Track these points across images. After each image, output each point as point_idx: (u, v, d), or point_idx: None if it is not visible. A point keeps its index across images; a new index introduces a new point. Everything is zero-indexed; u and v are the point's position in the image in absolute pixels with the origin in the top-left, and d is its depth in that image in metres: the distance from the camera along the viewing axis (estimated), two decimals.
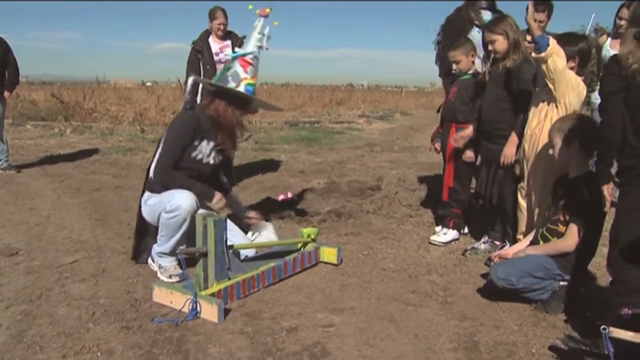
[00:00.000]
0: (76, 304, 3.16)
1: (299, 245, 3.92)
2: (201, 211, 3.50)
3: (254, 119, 14.53)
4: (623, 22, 5.02)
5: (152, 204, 3.61)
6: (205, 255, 3.17)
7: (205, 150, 3.70)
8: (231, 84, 3.64)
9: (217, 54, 5.89)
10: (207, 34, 5.96)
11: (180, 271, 3.57)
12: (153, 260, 3.71)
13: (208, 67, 5.77)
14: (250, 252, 3.79)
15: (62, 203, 5.68)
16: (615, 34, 5.27)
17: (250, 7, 3.74)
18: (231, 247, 3.36)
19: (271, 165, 8.24)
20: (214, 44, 5.91)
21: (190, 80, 3.74)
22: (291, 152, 9.85)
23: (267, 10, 3.72)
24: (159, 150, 3.64)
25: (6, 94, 7.23)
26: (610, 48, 5.19)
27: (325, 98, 26.92)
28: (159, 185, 3.60)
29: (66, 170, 7.69)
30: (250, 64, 3.67)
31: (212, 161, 3.77)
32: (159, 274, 3.62)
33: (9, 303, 3.15)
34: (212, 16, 5.87)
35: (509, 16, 3.99)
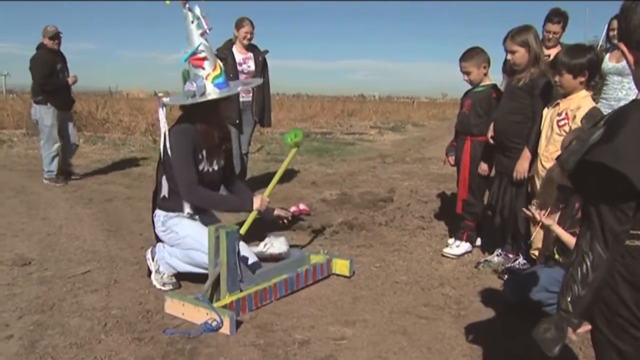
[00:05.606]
0: (88, 315, 3.16)
1: (311, 261, 3.88)
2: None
3: (266, 130, 14.54)
4: (614, 33, 5.07)
5: (179, 232, 3.51)
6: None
7: (209, 159, 3.64)
8: (194, 89, 3.35)
9: (240, 64, 5.90)
10: (230, 43, 5.98)
11: (174, 280, 3.62)
12: (153, 259, 3.70)
13: (231, 75, 5.76)
14: (252, 260, 3.61)
15: (75, 213, 5.71)
16: (612, 47, 5.22)
17: (168, 2, 3.40)
18: (243, 258, 3.36)
19: (283, 176, 8.12)
20: (238, 54, 5.93)
21: (161, 107, 3.42)
22: (303, 163, 9.84)
23: None
24: (174, 171, 3.45)
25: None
26: (609, 61, 5.14)
27: (337, 109, 26.99)
28: (187, 205, 3.53)
29: (79, 180, 7.73)
30: (204, 58, 3.39)
31: (216, 167, 3.70)
32: (152, 276, 3.64)
33: (21, 313, 3.16)
34: (239, 25, 5.91)
35: (533, 27, 3.89)
